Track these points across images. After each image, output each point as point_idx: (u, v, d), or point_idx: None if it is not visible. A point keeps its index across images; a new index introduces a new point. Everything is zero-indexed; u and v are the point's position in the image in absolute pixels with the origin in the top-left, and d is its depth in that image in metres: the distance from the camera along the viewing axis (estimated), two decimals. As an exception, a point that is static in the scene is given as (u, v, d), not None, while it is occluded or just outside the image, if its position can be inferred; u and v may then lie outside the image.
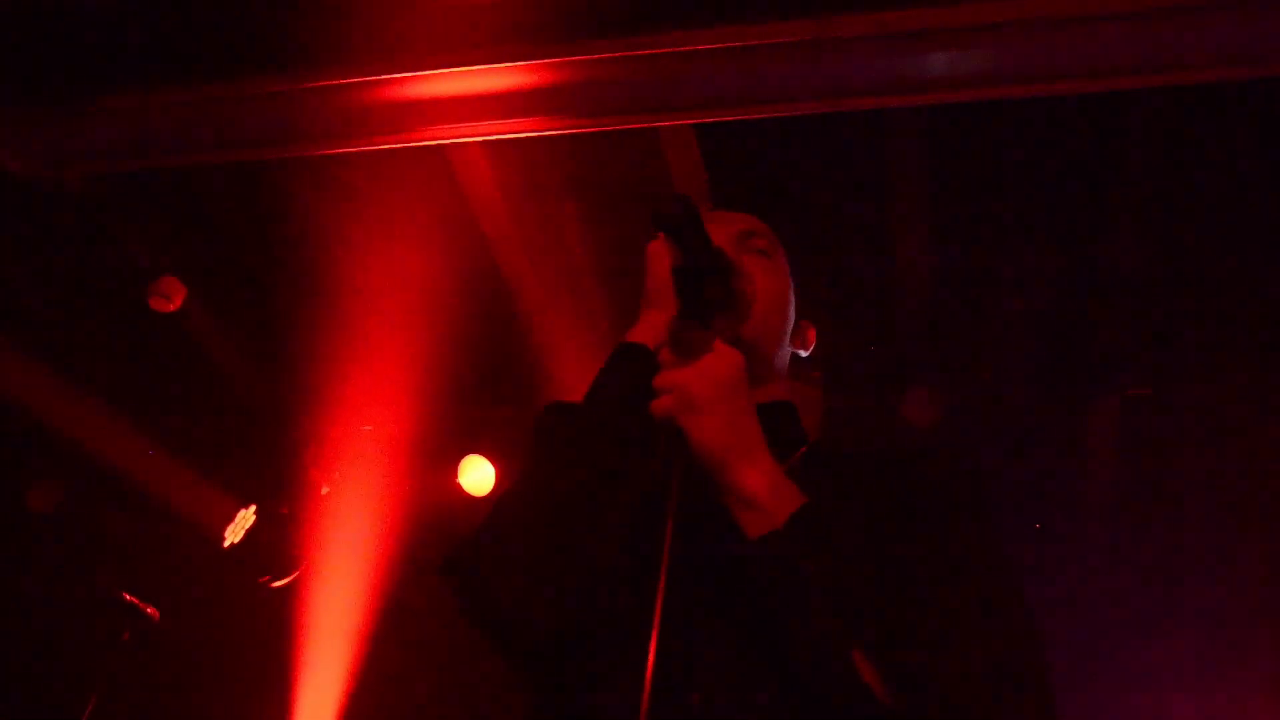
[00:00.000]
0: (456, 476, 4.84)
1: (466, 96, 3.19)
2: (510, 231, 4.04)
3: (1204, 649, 4.17)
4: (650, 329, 1.49)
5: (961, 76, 3.03)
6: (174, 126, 3.32)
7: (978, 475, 1.51)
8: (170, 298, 4.15)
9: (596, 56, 3.13)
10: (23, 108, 3.32)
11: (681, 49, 3.09)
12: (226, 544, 5.18)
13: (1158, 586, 4.31)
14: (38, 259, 4.09)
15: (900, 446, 1.60)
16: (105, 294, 4.35)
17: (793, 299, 1.74)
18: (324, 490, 5.31)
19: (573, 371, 4.09)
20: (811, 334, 1.79)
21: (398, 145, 3.35)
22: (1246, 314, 3.82)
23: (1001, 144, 3.51)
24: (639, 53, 3.11)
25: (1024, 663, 1.30)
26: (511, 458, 4.67)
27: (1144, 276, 3.78)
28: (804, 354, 1.79)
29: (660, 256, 1.50)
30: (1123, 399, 4.04)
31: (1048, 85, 3.04)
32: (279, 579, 5.24)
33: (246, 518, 5.21)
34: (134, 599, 3.47)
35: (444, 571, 1.45)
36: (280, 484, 5.30)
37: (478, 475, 4.80)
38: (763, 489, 1.34)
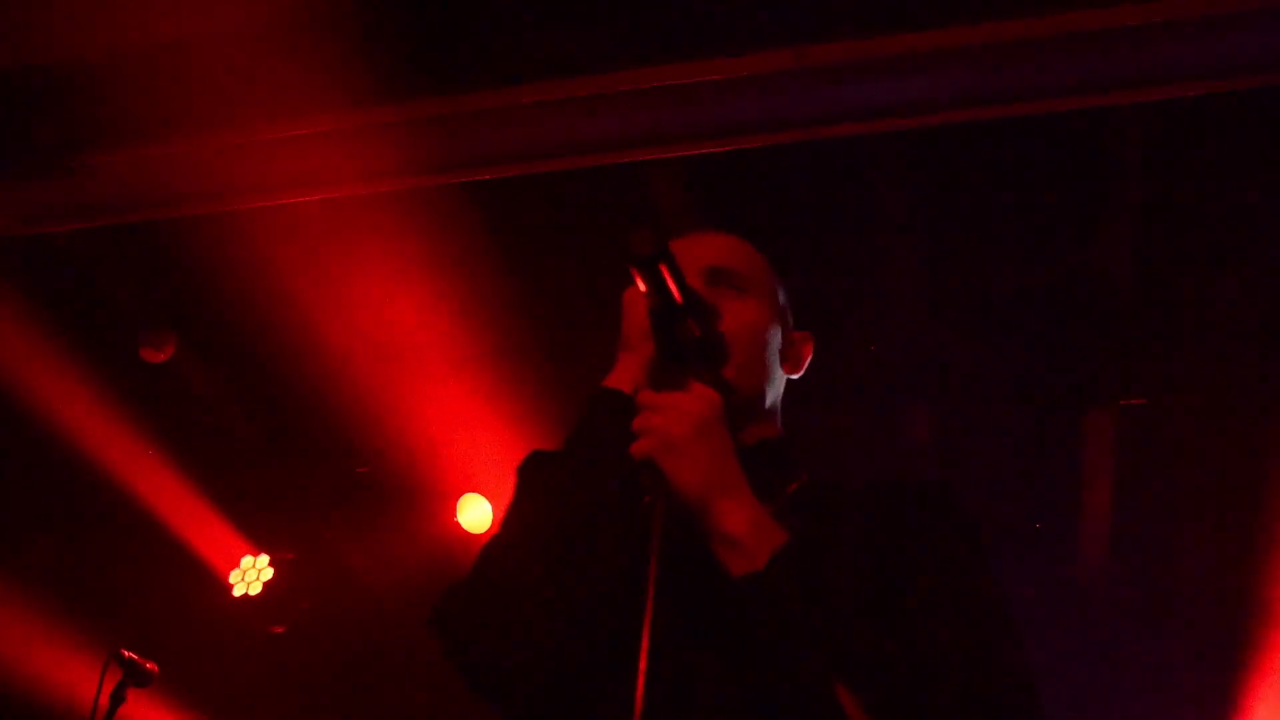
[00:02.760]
0: (455, 515, 4.84)
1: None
2: (499, 270, 4.06)
3: (1200, 659, 4.15)
4: (627, 373, 1.50)
5: (942, 99, 3.05)
6: (149, 181, 3.35)
7: (968, 507, 1.50)
8: (161, 348, 4.15)
9: (581, 94, 3.16)
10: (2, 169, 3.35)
11: (661, 84, 3.12)
12: (238, 593, 5.15)
13: (1154, 595, 4.30)
14: (26, 313, 4.10)
15: (891, 478, 1.58)
16: (96, 346, 4.35)
17: (777, 330, 1.69)
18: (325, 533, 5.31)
19: (560, 415, 4.08)
20: (807, 350, 1.75)
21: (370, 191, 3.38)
22: (1240, 321, 3.83)
23: (986, 162, 3.53)
24: (623, 89, 3.14)
25: (1012, 694, 1.29)
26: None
27: (1135, 287, 3.79)
28: (795, 376, 1.73)
29: (636, 301, 1.50)
30: (1117, 408, 4.05)
31: (1027, 104, 3.06)
32: (285, 624, 5.22)
33: (259, 567, 5.18)
34: (133, 655, 3.44)
35: (431, 622, 1.45)
36: (283, 530, 5.29)
37: (476, 513, 4.79)
38: (744, 528, 1.34)
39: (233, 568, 5.24)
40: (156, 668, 3.47)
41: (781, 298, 1.74)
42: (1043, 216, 3.69)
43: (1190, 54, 2.88)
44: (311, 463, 5.02)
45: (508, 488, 1.53)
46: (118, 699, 3.52)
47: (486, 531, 4.77)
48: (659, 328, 1.44)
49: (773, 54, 3.02)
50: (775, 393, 1.68)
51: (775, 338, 1.68)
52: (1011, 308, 3.98)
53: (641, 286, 1.40)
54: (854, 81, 3.06)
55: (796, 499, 1.54)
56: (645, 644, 1.20)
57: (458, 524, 4.85)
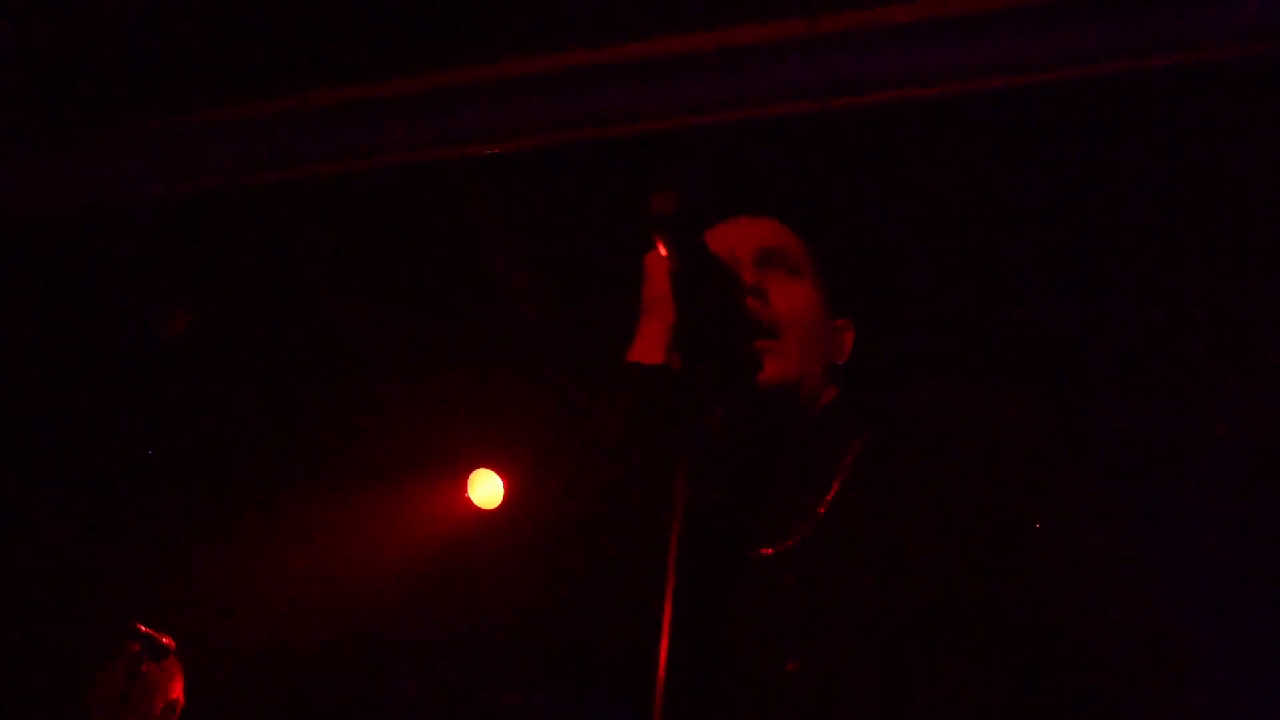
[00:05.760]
0: (466, 491, 4.87)
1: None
2: (514, 246, 4.04)
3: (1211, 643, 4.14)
4: (650, 341, 1.48)
5: (958, 69, 3.01)
6: (158, 157, 3.34)
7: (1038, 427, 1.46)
8: (172, 326, 4.15)
9: (589, 64, 3.13)
10: (13, 143, 3.34)
11: (673, 52, 3.09)
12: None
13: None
14: (38, 293, 4.11)
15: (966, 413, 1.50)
16: (106, 322, 4.36)
17: (826, 314, 1.67)
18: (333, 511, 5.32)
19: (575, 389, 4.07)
20: (849, 338, 1.73)
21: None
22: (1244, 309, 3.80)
23: (998, 139, 3.49)
24: (633, 58, 3.11)
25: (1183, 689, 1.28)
26: (521, 472, 4.68)
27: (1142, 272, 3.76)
28: (839, 363, 1.70)
29: (658, 266, 1.47)
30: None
31: (1045, 74, 3.02)
32: (299, 601, 5.25)
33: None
34: (149, 629, 3.45)
35: (462, 592, 1.45)
36: (295, 508, 5.31)
37: (487, 489, 4.81)
38: (780, 501, 1.35)
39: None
40: (173, 642, 3.49)
41: (825, 284, 1.72)
42: (1062, 191, 3.65)
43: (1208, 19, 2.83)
44: (322, 440, 5.04)
45: (521, 464, 1.53)
46: (133, 673, 3.53)
47: (498, 508, 4.80)
48: (680, 292, 1.41)
49: (785, 22, 2.99)
50: (826, 375, 1.65)
51: (825, 321, 1.67)
52: (1023, 284, 3.96)
53: (662, 250, 1.38)
54: (867, 50, 3.02)
55: (859, 464, 1.49)
56: (668, 620, 1.19)
57: (470, 500, 4.88)
